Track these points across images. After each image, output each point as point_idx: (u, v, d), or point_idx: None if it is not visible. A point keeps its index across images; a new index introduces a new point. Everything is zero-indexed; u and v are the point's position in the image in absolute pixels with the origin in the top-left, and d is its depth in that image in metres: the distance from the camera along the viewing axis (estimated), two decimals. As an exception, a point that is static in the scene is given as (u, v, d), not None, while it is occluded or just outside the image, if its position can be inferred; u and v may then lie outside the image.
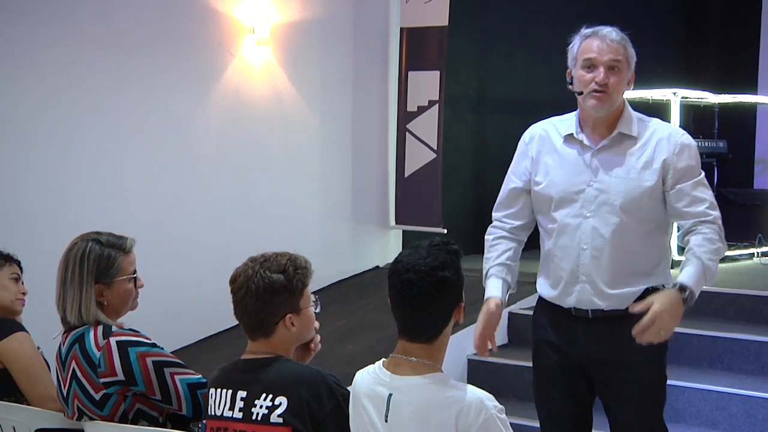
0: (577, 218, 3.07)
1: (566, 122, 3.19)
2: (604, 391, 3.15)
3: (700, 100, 7.18)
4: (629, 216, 3.02)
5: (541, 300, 3.29)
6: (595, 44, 3.06)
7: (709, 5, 9.53)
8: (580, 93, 3.08)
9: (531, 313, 5.65)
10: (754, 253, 7.13)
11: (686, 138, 3.08)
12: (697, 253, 2.95)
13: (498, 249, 3.28)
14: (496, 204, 3.38)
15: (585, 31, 3.14)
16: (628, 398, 3.10)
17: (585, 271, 3.08)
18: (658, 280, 3.09)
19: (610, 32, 3.08)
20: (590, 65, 3.06)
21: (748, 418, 4.68)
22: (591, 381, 3.16)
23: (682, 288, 2.89)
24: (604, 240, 3.04)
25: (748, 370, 5.01)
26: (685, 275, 2.92)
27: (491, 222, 3.42)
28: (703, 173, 3.09)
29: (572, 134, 3.13)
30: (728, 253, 7.07)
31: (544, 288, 3.25)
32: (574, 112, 3.19)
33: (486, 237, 3.34)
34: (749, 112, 8.31)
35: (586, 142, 3.11)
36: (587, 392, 3.19)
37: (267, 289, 2.55)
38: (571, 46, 3.17)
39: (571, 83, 3.15)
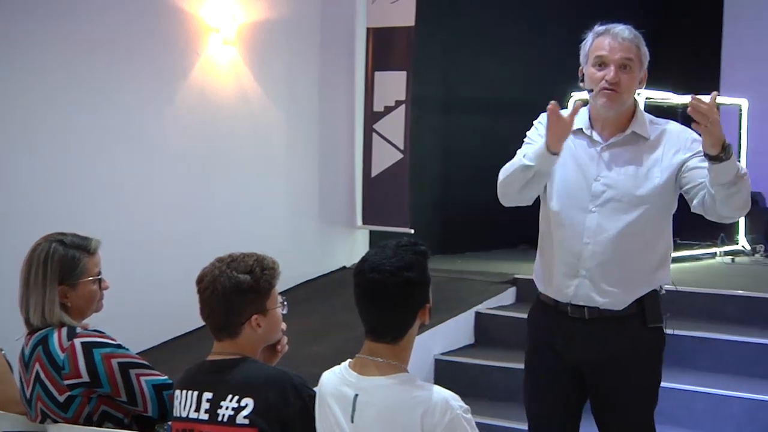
0: (582, 212, 3.04)
1: (577, 116, 3.09)
2: (597, 392, 3.13)
3: (663, 100, 7.25)
4: (636, 214, 3.00)
5: (538, 300, 3.24)
6: (606, 42, 3.03)
7: (672, 7, 9.63)
8: (591, 91, 3.04)
9: (498, 313, 5.76)
10: (716, 253, 7.21)
11: (695, 135, 3.02)
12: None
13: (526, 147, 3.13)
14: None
15: (598, 28, 3.11)
16: (621, 399, 3.10)
17: (586, 266, 3.05)
18: (656, 282, 3.09)
19: (623, 30, 3.05)
20: (601, 63, 3.02)
21: (711, 415, 4.73)
22: (584, 383, 3.15)
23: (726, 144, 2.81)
24: (608, 236, 3.01)
25: (711, 368, 5.06)
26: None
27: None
28: None
29: (582, 129, 3.10)
30: (691, 252, 7.15)
31: (541, 282, 3.21)
32: (585, 107, 3.15)
33: (503, 169, 3.18)
34: (712, 112, 8.39)
35: (595, 137, 3.08)
36: (579, 395, 3.17)
37: (234, 289, 2.54)
38: (583, 43, 3.13)
39: (582, 80, 3.11)
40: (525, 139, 3.22)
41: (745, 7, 8.83)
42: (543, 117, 3.16)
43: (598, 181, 3.03)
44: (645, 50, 3.05)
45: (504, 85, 8.16)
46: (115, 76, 5.53)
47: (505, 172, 3.11)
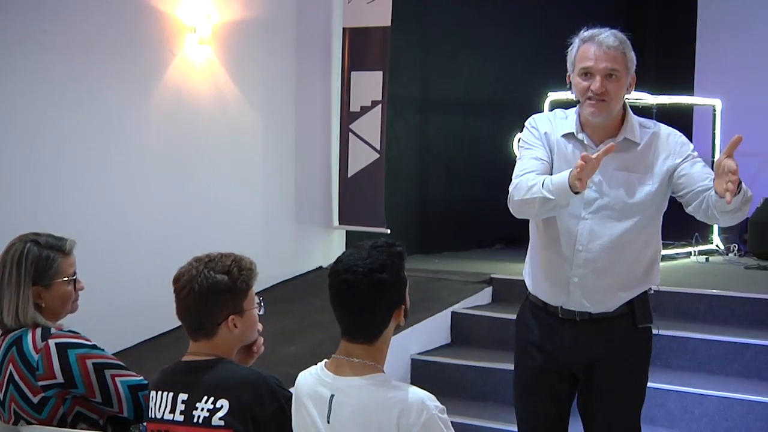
0: (575, 218, 3.03)
1: (565, 120, 3.12)
2: (586, 391, 3.13)
3: (638, 101, 7.28)
4: (629, 222, 3.00)
5: (528, 300, 3.23)
6: (592, 51, 2.99)
7: (646, 7, 9.69)
8: (578, 101, 3.04)
9: (474, 312, 5.77)
10: (690, 252, 7.26)
11: (685, 139, 3.07)
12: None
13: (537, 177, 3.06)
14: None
15: (583, 34, 3.07)
16: (609, 399, 3.10)
17: (578, 273, 3.04)
18: (647, 283, 3.11)
19: (608, 37, 3.00)
20: (586, 73, 2.99)
21: (685, 414, 4.76)
22: (575, 383, 3.15)
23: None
24: (600, 244, 3.01)
25: (685, 366, 5.09)
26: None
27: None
28: None
29: (572, 133, 3.08)
30: (666, 252, 7.19)
31: (531, 283, 3.20)
32: (574, 110, 3.13)
33: (518, 186, 3.03)
34: (686, 113, 8.45)
35: (586, 142, 3.06)
36: (568, 396, 3.17)
37: (210, 289, 2.54)
38: (569, 49, 3.10)
39: (570, 88, 3.10)
40: (520, 144, 3.22)
41: (720, 7, 8.89)
42: (535, 119, 3.19)
43: (590, 188, 2.99)
44: (631, 55, 3.02)
45: (480, 85, 8.18)
46: (89, 76, 5.49)
47: (519, 192, 2.99)
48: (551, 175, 2.98)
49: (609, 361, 3.07)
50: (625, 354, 3.07)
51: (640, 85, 8.25)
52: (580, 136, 3.07)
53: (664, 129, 3.11)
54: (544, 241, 3.12)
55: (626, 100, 3.10)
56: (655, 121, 3.16)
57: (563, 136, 3.08)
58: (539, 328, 3.15)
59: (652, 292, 3.16)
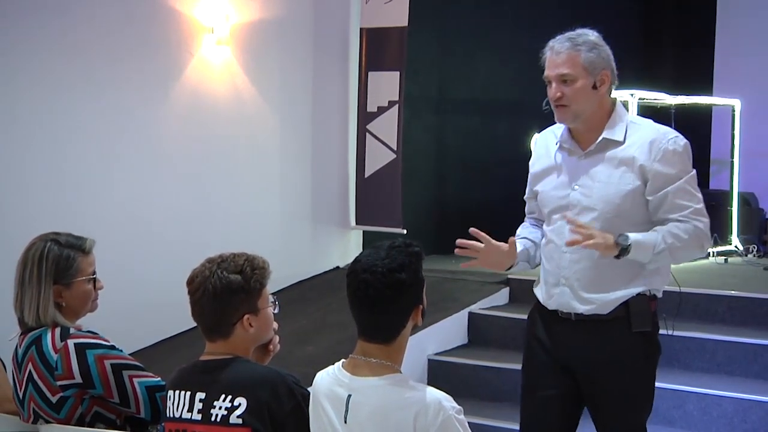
0: (562, 220, 3.06)
1: (557, 130, 3.20)
2: (586, 392, 3.13)
3: (656, 101, 7.26)
4: (610, 221, 3.00)
5: (535, 298, 3.28)
6: (548, 59, 3.09)
7: (665, 7, 9.64)
8: (546, 109, 3.11)
9: (492, 313, 5.76)
10: (709, 253, 7.21)
11: (673, 143, 3.02)
12: (659, 229, 2.96)
13: (522, 230, 3.34)
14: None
15: (549, 42, 3.13)
16: (608, 401, 3.09)
17: (565, 275, 3.08)
18: (642, 286, 3.06)
19: (563, 43, 3.06)
20: (548, 81, 3.08)
21: (704, 416, 4.73)
22: (577, 380, 3.15)
23: (622, 235, 2.91)
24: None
25: (704, 368, 5.07)
26: (634, 234, 2.93)
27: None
28: (689, 177, 3.02)
29: (561, 143, 3.15)
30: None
31: (535, 288, 3.27)
32: None
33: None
34: (705, 113, 8.42)
35: (573, 148, 3.11)
36: (573, 391, 3.14)
37: (224, 289, 2.54)
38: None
39: None
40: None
41: (738, 6, 8.84)
42: (534, 141, 3.25)
43: (575, 191, 3.06)
44: (590, 56, 3.02)
45: (497, 85, 8.16)
46: (108, 76, 5.51)
47: None
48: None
49: (602, 364, 3.06)
50: (619, 359, 3.04)
51: (659, 85, 8.23)
52: (567, 143, 3.13)
53: (652, 131, 3.07)
54: (544, 241, 3.20)
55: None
56: (650, 122, 3.14)
57: (558, 146, 3.17)
58: (543, 325, 3.18)
59: (659, 296, 3.13)
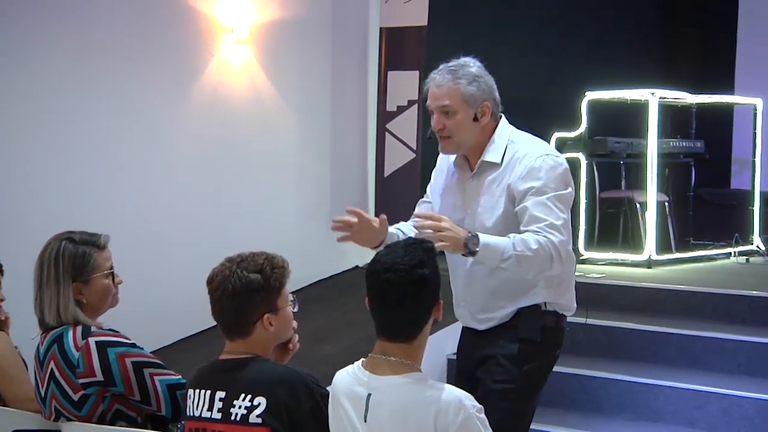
0: None
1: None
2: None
3: (677, 100, 7.22)
4: None
5: None
6: (430, 90, 3.11)
7: (685, 5, 9.59)
8: (430, 137, 3.15)
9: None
10: (731, 253, 7.18)
11: (541, 160, 3.00)
12: (512, 236, 2.93)
13: (401, 224, 3.31)
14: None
15: (431, 74, 3.17)
16: (486, 400, 2.94)
17: (462, 296, 3.19)
18: (535, 299, 3.08)
19: (441, 75, 3.10)
20: (430, 111, 3.11)
21: (725, 416, 4.70)
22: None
23: (473, 234, 2.90)
24: (471, 268, 3.09)
25: (725, 368, 5.04)
26: (486, 236, 2.92)
27: None
28: (554, 194, 2.96)
29: (456, 162, 3.19)
30: (705, 252, 7.13)
31: None
32: None
33: None
34: (726, 112, 8.37)
35: (464, 169, 3.16)
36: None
37: (244, 289, 2.55)
38: None
39: None
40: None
41: (760, 5, 8.78)
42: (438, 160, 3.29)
43: (466, 213, 3.11)
44: (470, 89, 3.06)
45: (516, 84, 8.11)
46: (128, 76, 5.53)
47: None
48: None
49: (485, 359, 3.12)
50: (497, 356, 3.08)
51: (680, 84, 8.20)
52: (458, 164, 3.18)
53: (527, 148, 3.07)
54: (450, 265, 3.26)
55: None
56: (530, 140, 3.14)
57: (453, 163, 3.22)
58: (462, 336, 3.32)
59: (552, 310, 3.12)
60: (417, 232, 2.96)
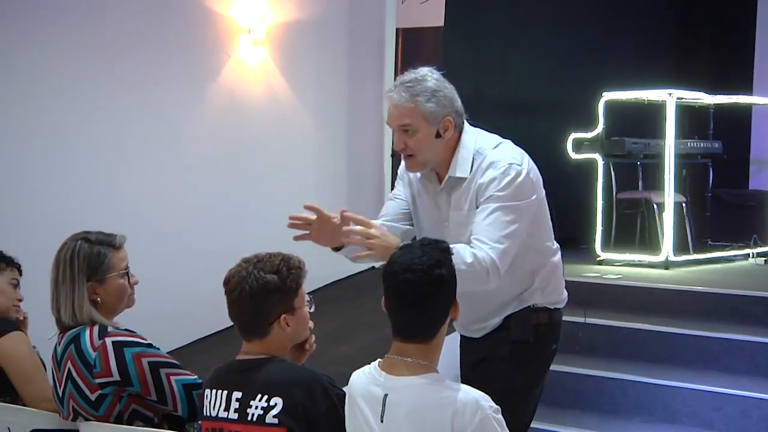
0: None
1: None
2: None
3: (695, 100, 7.19)
4: None
5: None
6: (388, 107, 2.95)
7: (702, 4, 9.54)
8: (394, 155, 3.06)
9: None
10: (749, 254, 7.14)
11: (502, 170, 2.89)
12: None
13: None
14: None
15: (386, 91, 3.00)
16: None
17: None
18: (525, 304, 3.05)
19: (398, 92, 2.91)
20: (392, 129, 2.98)
21: (743, 418, 4.68)
22: None
23: (407, 243, 2.76)
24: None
25: (743, 370, 5.01)
26: None
27: None
28: (506, 204, 2.85)
29: (423, 175, 3.07)
30: (723, 253, 7.10)
31: None
32: None
33: None
34: (744, 112, 8.32)
35: (432, 181, 3.05)
36: None
37: (261, 289, 2.55)
38: None
39: None
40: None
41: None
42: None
43: (445, 227, 3.01)
44: (429, 106, 2.89)
45: (533, 84, 8.12)
46: (146, 76, 5.56)
47: None
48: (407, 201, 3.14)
49: (477, 362, 3.12)
50: (489, 360, 3.08)
51: (698, 85, 8.14)
52: (425, 178, 3.06)
53: (491, 156, 2.95)
54: None
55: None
56: (498, 149, 2.99)
57: (423, 176, 3.09)
58: (460, 344, 3.30)
59: (542, 307, 3.09)
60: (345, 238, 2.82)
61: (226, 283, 2.61)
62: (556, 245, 3.15)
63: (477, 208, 2.89)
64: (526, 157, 3.01)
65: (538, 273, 3.07)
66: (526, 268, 3.03)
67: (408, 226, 3.18)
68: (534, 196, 2.95)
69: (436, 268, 2.35)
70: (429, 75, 2.96)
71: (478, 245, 2.81)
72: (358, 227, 2.77)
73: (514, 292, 3.04)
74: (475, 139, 3.02)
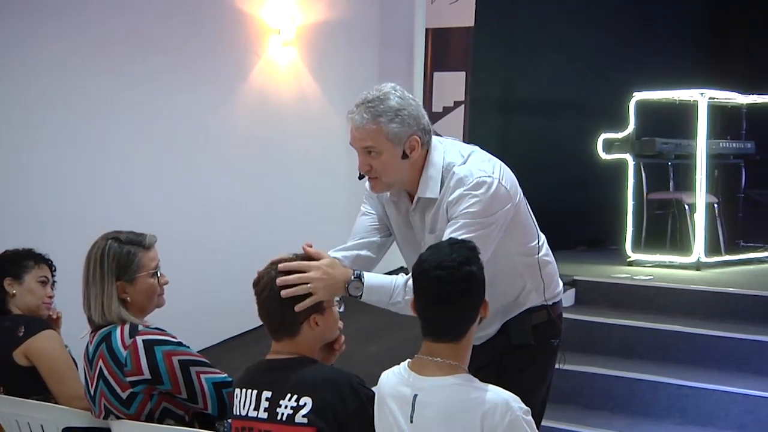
0: None
1: None
2: None
3: (728, 100, 7.13)
4: None
5: None
6: (351, 129, 2.86)
7: (734, 3, 9.44)
8: (361, 177, 2.94)
9: (566, 315, 5.70)
10: (775, 255, 7.08)
11: (473, 187, 2.77)
12: (403, 277, 2.82)
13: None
14: None
15: (348, 112, 2.90)
16: None
17: None
18: (522, 306, 3.00)
19: (360, 113, 2.82)
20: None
21: (777, 420, 4.64)
22: None
23: (358, 277, 2.76)
24: None
25: (776, 372, 4.97)
26: (374, 276, 2.79)
27: None
28: (476, 220, 2.74)
29: (392, 195, 2.99)
30: (756, 255, 7.04)
31: None
32: None
33: None
34: (778, 112, 8.23)
35: (402, 199, 2.96)
36: None
37: None
38: None
39: None
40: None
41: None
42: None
43: (423, 246, 2.87)
44: (393, 127, 2.76)
45: (563, 85, 8.09)
46: (176, 77, 5.59)
47: None
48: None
49: (483, 368, 2.97)
50: (496, 369, 2.97)
51: (729, 84, 8.06)
52: (395, 198, 2.97)
53: (460, 171, 2.81)
54: None
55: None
56: (463, 156, 2.85)
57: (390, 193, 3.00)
58: None
59: (540, 304, 3.03)
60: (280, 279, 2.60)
61: (256, 284, 2.62)
62: (541, 240, 3.07)
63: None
64: (498, 164, 2.88)
65: (527, 274, 3.01)
66: (514, 273, 2.98)
67: (384, 237, 3.13)
68: (508, 205, 2.83)
69: (466, 264, 2.35)
70: (392, 93, 2.84)
71: None
72: (291, 276, 2.59)
73: (510, 298, 3.00)
74: (443, 155, 2.86)
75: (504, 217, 2.83)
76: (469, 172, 2.80)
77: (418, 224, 2.96)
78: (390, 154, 2.81)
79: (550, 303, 3.07)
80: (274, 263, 2.63)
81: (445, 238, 2.70)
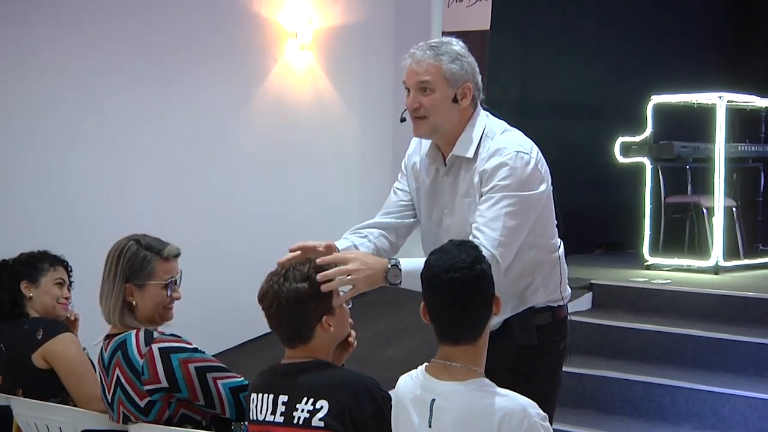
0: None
1: (423, 145, 3.03)
2: None
3: (746, 104, 7.09)
4: None
5: None
6: (407, 67, 2.88)
7: (755, 7, 9.39)
8: (403, 119, 2.94)
9: (574, 318, 5.65)
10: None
11: (509, 159, 2.78)
12: None
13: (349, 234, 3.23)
14: None
15: (411, 49, 2.91)
16: None
17: None
18: (526, 303, 2.95)
19: (422, 50, 2.86)
20: (406, 88, 2.90)
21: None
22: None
23: (395, 265, 2.70)
24: None
25: (795, 377, 4.93)
26: (409, 262, 2.71)
27: None
28: (511, 195, 2.74)
29: (428, 156, 2.98)
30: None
31: None
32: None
33: None
34: (797, 115, 8.18)
35: (438, 164, 2.95)
36: None
37: (296, 301, 2.53)
38: None
39: None
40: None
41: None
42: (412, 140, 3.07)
43: (446, 214, 2.91)
44: (452, 67, 2.82)
45: (581, 87, 8.06)
46: (194, 80, 5.61)
47: None
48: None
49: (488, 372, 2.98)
50: (500, 371, 2.83)
51: (749, 87, 8.02)
52: (432, 157, 2.96)
53: (498, 142, 2.84)
54: None
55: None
56: (506, 135, 2.88)
57: (427, 160, 3.00)
58: None
59: (545, 306, 2.99)
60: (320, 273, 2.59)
61: (261, 299, 2.60)
62: (558, 240, 3.06)
63: (481, 197, 2.79)
64: (536, 147, 2.90)
65: (539, 270, 2.98)
66: (527, 265, 2.94)
67: (412, 219, 3.12)
68: (542, 188, 2.84)
69: (477, 263, 2.35)
70: (455, 41, 2.91)
71: (478, 238, 2.70)
72: (332, 270, 2.59)
73: (516, 289, 2.94)
74: (485, 123, 2.91)
75: (539, 198, 2.84)
76: (508, 143, 2.84)
77: (448, 191, 2.93)
78: (443, 94, 2.84)
79: (555, 306, 3.04)
80: (275, 274, 2.61)
81: (479, 211, 2.73)
